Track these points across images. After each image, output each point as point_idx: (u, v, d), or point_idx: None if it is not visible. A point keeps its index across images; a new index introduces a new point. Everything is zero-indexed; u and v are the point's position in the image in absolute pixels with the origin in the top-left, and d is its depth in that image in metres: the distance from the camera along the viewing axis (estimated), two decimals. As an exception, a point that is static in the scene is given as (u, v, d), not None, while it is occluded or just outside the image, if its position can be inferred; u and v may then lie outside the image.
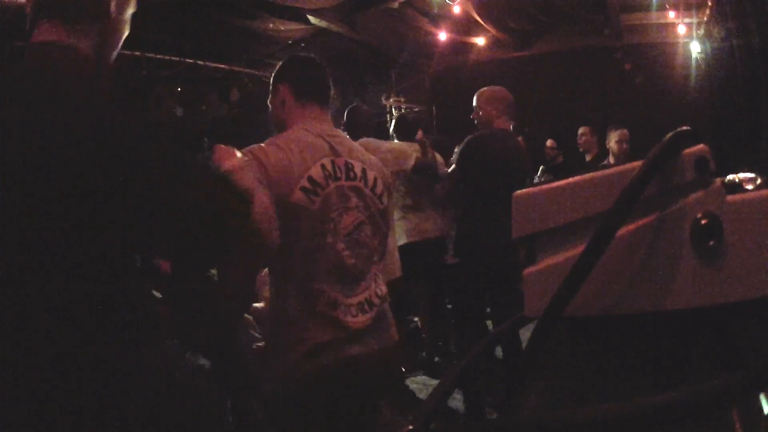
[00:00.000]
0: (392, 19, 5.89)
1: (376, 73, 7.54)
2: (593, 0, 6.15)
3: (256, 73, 6.20)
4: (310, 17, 5.32)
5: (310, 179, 1.59)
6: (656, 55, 6.54)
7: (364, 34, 6.07)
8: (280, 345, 1.64)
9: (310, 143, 1.64)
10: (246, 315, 2.56)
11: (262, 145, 1.61)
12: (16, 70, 1.03)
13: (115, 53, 1.13)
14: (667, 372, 0.55)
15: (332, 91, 1.85)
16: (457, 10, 5.56)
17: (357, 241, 1.67)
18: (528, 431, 0.49)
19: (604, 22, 6.45)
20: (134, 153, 0.96)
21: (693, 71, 6.23)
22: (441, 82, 7.83)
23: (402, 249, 3.51)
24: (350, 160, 1.70)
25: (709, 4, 5.39)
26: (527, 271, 0.60)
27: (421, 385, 3.96)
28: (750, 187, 0.59)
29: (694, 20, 5.95)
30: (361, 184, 1.71)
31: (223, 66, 5.89)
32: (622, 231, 0.55)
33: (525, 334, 0.63)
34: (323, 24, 5.49)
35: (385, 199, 1.79)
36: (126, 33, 1.14)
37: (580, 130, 5.45)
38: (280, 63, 1.85)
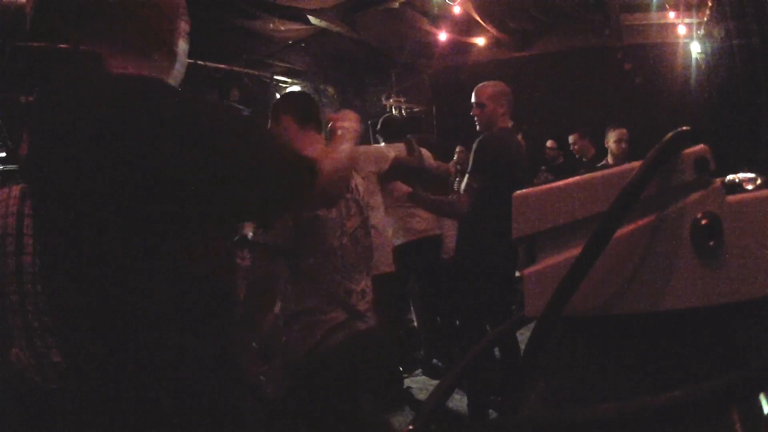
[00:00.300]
0: (392, 19, 5.90)
1: (376, 73, 7.54)
2: (593, 0, 6.16)
3: (256, 73, 6.21)
4: (310, 17, 5.33)
5: None
6: (656, 55, 6.55)
7: (364, 34, 6.07)
8: (296, 332, 2.03)
9: None
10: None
11: None
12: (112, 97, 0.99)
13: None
14: (666, 372, 0.55)
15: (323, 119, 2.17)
16: (457, 10, 5.57)
17: (357, 241, 2.12)
18: (528, 431, 0.49)
19: (604, 22, 6.46)
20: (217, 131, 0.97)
21: (693, 71, 6.23)
22: (441, 82, 7.84)
23: (399, 248, 3.50)
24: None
25: (709, 4, 5.40)
26: (527, 271, 0.60)
27: (421, 385, 3.96)
28: (750, 187, 0.59)
29: (694, 20, 5.95)
30: (358, 196, 2.19)
31: (223, 66, 5.89)
32: (622, 231, 0.55)
33: (525, 334, 0.63)
34: (323, 24, 5.50)
35: (368, 206, 2.26)
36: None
37: (570, 139, 5.47)
38: (279, 98, 2.31)
